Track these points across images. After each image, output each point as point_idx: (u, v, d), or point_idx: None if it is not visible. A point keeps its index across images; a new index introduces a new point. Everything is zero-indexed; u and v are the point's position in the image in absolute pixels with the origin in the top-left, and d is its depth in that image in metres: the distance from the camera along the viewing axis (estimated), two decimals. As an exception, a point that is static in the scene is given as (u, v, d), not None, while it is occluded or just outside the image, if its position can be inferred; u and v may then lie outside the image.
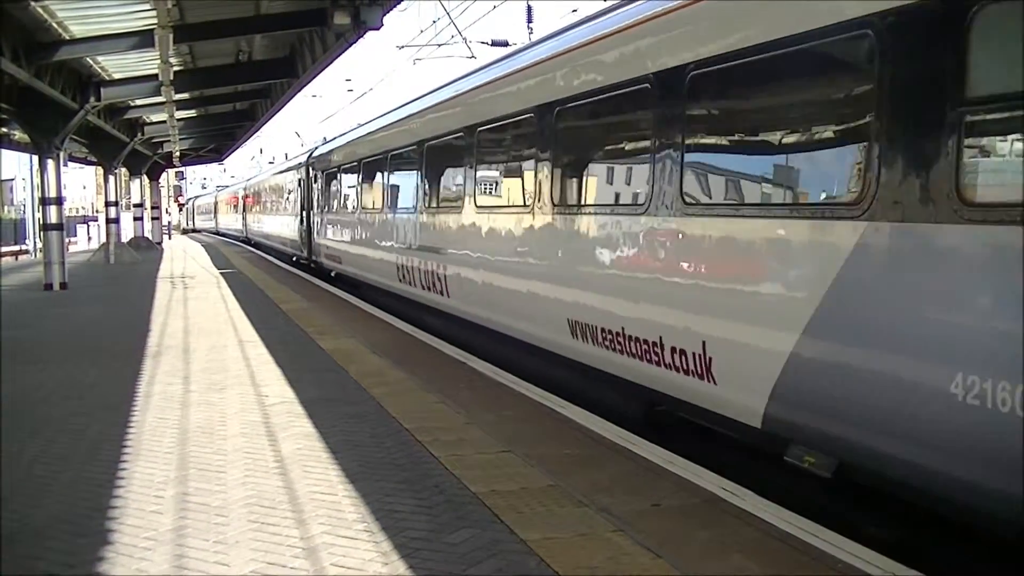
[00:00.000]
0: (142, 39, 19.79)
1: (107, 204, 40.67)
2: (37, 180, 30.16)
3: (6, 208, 65.86)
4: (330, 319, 17.38)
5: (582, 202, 10.53)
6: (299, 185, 32.27)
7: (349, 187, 24.09)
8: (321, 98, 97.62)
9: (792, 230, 7.00)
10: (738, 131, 8.12)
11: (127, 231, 47.49)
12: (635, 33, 9.16)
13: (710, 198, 8.21)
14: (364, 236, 21.43)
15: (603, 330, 9.57)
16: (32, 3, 17.27)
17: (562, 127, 10.83)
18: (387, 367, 12.12)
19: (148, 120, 36.83)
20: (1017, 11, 5.12)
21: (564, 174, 10.94)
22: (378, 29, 18.11)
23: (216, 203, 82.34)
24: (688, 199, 8.20)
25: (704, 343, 7.81)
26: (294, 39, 24.37)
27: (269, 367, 12.21)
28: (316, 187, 28.94)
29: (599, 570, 5.36)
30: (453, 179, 15.04)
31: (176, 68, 22.30)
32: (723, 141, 8.30)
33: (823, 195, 6.96)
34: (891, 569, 5.36)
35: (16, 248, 51.86)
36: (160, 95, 25.03)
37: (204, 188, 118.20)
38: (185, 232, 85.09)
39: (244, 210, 57.10)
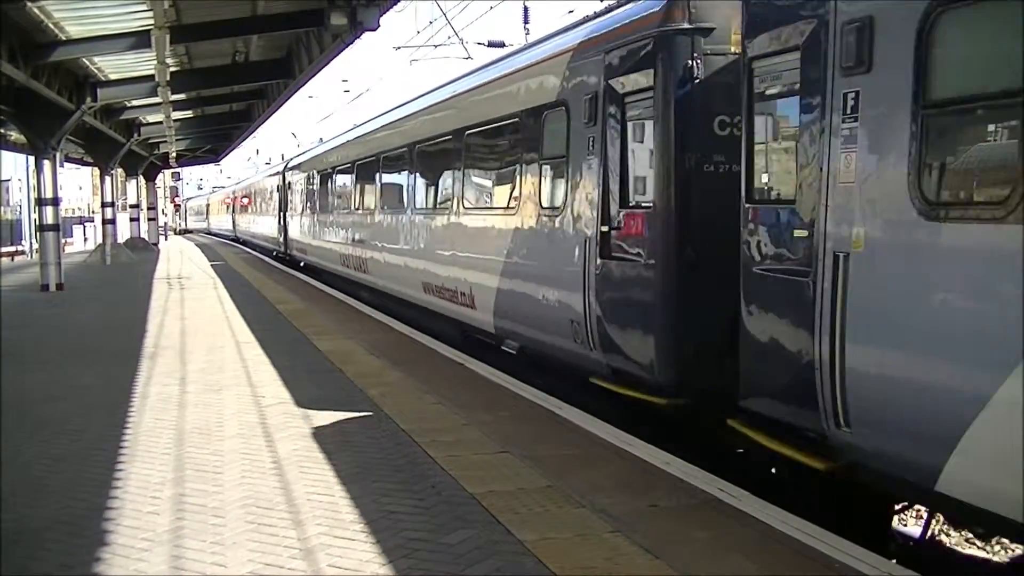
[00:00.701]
0: (139, 40, 19.77)
1: (103, 205, 40.65)
2: (33, 181, 30.21)
3: (2, 209, 65.74)
4: (327, 320, 17.38)
5: (422, 206, 16.99)
6: (277, 191, 37.91)
7: (309, 194, 30.25)
8: (318, 99, 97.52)
9: (500, 222, 12.87)
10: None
11: (123, 232, 47.47)
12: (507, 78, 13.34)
13: (474, 203, 14.28)
14: (320, 233, 27.77)
15: (435, 287, 15.58)
16: (29, 3, 17.24)
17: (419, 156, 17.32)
18: (384, 368, 12.12)
19: (144, 121, 36.80)
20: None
21: (423, 185, 17.37)
22: (375, 30, 18.09)
23: (208, 205, 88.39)
24: (467, 204, 14.32)
25: (473, 289, 13.68)
26: (291, 40, 24.35)
27: (266, 368, 12.20)
28: (289, 193, 34.94)
29: (596, 570, 5.36)
30: (368, 192, 21.85)
31: (172, 69, 22.26)
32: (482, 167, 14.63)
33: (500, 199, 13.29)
34: (888, 570, 5.36)
35: (12, 249, 51.75)
36: (156, 96, 25.01)
37: (200, 189, 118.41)
38: (178, 233, 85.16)
39: (234, 212, 61.91)
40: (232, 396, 10.44)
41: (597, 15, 11.14)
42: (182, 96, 28.91)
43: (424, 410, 9.58)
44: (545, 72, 11.56)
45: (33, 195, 34.53)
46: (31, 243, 50.94)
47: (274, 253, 39.03)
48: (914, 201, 5.76)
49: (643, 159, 9.45)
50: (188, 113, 36.62)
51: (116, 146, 37.07)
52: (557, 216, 10.97)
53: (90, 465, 7.72)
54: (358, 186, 22.77)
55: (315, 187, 28.89)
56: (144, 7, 17.34)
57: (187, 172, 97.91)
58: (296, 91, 29.38)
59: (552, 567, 5.38)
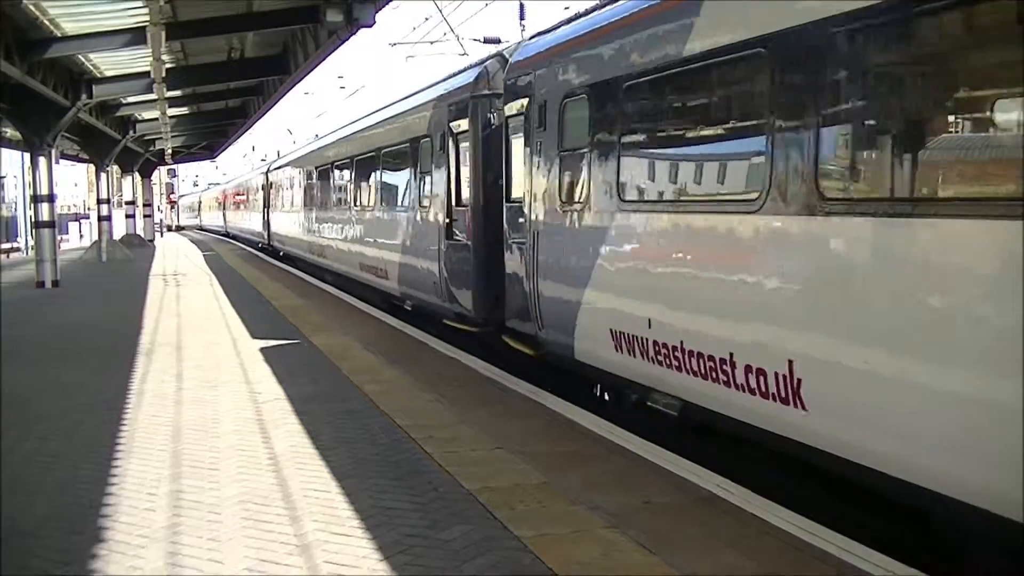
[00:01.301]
0: (134, 36, 19.77)
1: (99, 202, 40.59)
2: (29, 178, 30.17)
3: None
4: (322, 316, 17.38)
5: (357, 205, 21.81)
6: (261, 190, 42.77)
7: (285, 194, 35.24)
8: (313, 95, 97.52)
9: (399, 216, 17.60)
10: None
11: (119, 229, 47.43)
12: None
13: (385, 202, 19.19)
14: (293, 227, 32.43)
15: (367, 266, 20.30)
16: (24, 0, 17.21)
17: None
18: (380, 364, 12.13)
19: (140, 117, 36.79)
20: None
21: (358, 189, 22.05)
22: (371, 26, 18.09)
23: (200, 202, 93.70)
24: (382, 203, 19.36)
25: (387, 265, 18.35)
26: (287, 36, 24.35)
27: (262, 364, 12.20)
28: (270, 193, 39.72)
29: (592, 567, 5.37)
30: (325, 193, 26.32)
31: (168, 65, 22.23)
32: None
33: (400, 199, 18.04)
34: (887, 566, 5.36)
35: (8, 246, 51.70)
36: (152, 92, 25.00)
37: (196, 185, 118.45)
38: (171, 230, 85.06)
39: (224, 209, 66.90)
40: (228, 392, 10.44)
41: (452, 75, 16.59)
42: (177, 93, 28.87)
43: (420, 406, 9.59)
44: (421, 113, 16.60)
45: (29, 192, 34.49)
46: (27, 240, 50.95)
47: (259, 245, 44.38)
48: (558, 201, 10.56)
49: (465, 175, 14.12)
50: (184, 110, 36.59)
51: (112, 143, 37.05)
52: (426, 212, 15.73)
53: (86, 462, 7.72)
54: (318, 188, 27.55)
55: (289, 188, 34.00)
56: (139, 4, 17.32)
57: (183, 169, 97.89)
58: (292, 88, 29.42)
59: (549, 563, 5.38)
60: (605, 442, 8.13)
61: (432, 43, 32.99)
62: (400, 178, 18.18)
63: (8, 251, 49.77)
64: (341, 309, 18.81)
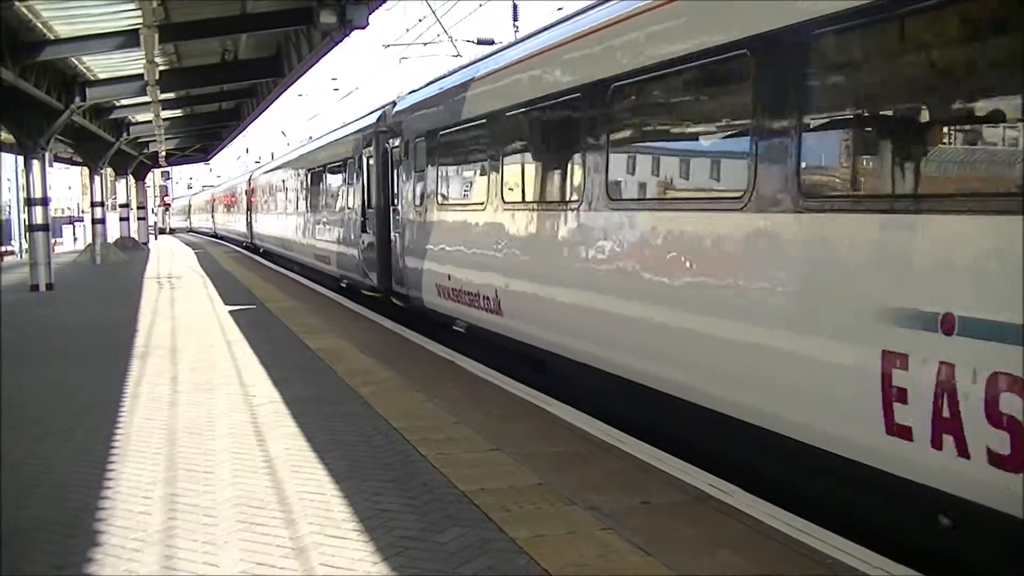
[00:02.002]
0: (127, 39, 19.73)
1: (93, 204, 40.51)
2: (22, 181, 30.05)
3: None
4: (317, 318, 17.38)
5: (309, 208, 28.16)
6: (245, 195, 49.45)
7: (262, 198, 42.25)
8: (307, 97, 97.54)
9: (337, 216, 23.90)
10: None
11: (113, 232, 47.36)
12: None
13: (329, 205, 25.00)
14: (270, 226, 39.43)
15: (319, 256, 26.30)
16: (17, 3, 17.18)
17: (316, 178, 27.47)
18: (375, 366, 12.12)
19: (134, 120, 36.69)
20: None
21: (310, 195, 28.17)
22: (364, 28, 18.09)
23: (189, 206, 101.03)
24: (327, 206, 25.33)
25: (329, 254, 24.60)
26: (280, 38, 24.32)
27: (256, 367, 12.20)
28: (252, 197, 46.38)
29: (588, 568, 5.37)
30: (289, 198, 33.09)
31: (161, 68, 22.23)
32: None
33: (338, 203, 24.25)
34: (882, 565, 5.37)
35: (2, 249, 51.58)
36: (146, 95, 24.96)
37: (190, 188, 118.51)
38: (164, 232, 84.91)
39: (213, 212, 73.94)
40: (223, 395, 10.44)
41: (370, 112, 21.85)
42: (171, 95, 28.86)
43: (415, 408, 9.59)
44: (348, 139, 22.67)
45: (22, 195, 34.38)
46: (20, 243, 50.84)
47: (244, 244, 50.74)
48: (412, 205, 16.06)
49: (373, 187, 19.45)
50: (177, 112, 36.57)
51: (105, 145, 36.98)
52: (352, 214, 21.50)
53: (81, 465, 7.71)
54: (284, 194, 34.44)
55: (265, 195, 41.32)
56: (133, 6, 17.32)
57: (177, 171, 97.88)
58: (285, 89, 29.37)
59: (544, 565, 5.38)
60: (601, 443, 8.13)
61: (426, 44, 33.19)
62: (336, 188, 24.14)
63: (2, 254, 49.67)
64: (335, 311, 18.81)
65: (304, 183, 29.33)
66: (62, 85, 24.52)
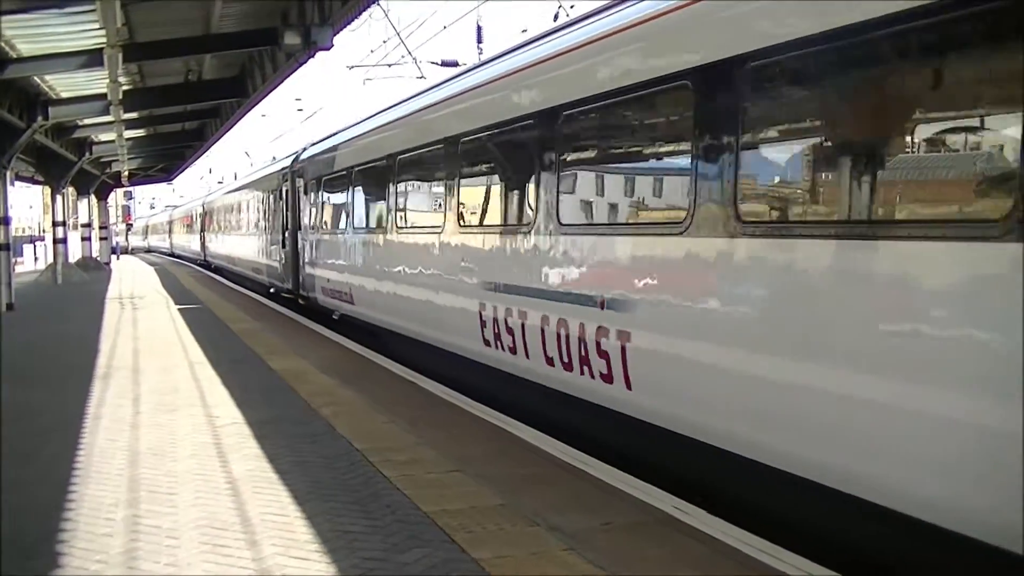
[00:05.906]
0: (91, 58, 19.61)
1: (54, 224, 40.18)
2: (-18, 200, 29.73)
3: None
4: (279, 338, 17.34)
5: (245, 230, 35.29)
6: (199, 217, 56.20)
7: (211, 221, 49.28)
8: (271, 117, 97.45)
9: (263, 238, 30.82)
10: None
11: (75, 251, 47.00)
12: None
13: (259, 228, 31.59)
14: (219, 244, 45.97)
15: (254, 268, 32.52)
16: (-22, 22, 17.08)
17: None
18: (337, 387, 12.13)
19: (97, 139, 36.49)
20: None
21: (245, 219, 35.62)
22: (328, 49, 18.17)
23: (148, 227, 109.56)
24: (257, 229, 32.26)
25: (261, 266, 30.83)
26: (244, 59, 24.35)
27: (219, 388, 12.16)
28: (204, 220, 52.73)
29: (550, 588, 5.40)
30: (231, 221, 39.78)
31: (125, 87, 22.17)
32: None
33: (262, 226, 31.69)
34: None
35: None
36: (109, 114, 24.86)
37: (152, 208, 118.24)
38: (126, 252, 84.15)
39: (170, 233, 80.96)
40: (186, 416, 10.40)
41: (289, 155, 27.03)
42: (134, 115, 28.73)
43: (377, 429, 9.60)
44: (273, 177, 28.26)
45: (-18, 214, 34.02)
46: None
47: (198, 261, 56.69)
48: (309, 228, 22.84)
49: (289, 214, 24.88)
50: (141, 132, 36.34)
51: (68, 165, 36.73)
52: (276, 234, 26.80)
53: (42, 487, 7.66)
54: (228, 217, 40.94)
55: (212, 217, 48.35)
56: (97, 25, 17.23)
57: (139, 191, 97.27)
58: (249, 110, 29.43)
59: (506, 585, 5.42)
60: (565, 465, 8.17)
61: (390, 66, 32.98)
62: (265, 214, 30.03)
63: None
64: (298, 332, 18.77)
65: (244, 209, 35.71)
66: (24, 104, 24.34)
